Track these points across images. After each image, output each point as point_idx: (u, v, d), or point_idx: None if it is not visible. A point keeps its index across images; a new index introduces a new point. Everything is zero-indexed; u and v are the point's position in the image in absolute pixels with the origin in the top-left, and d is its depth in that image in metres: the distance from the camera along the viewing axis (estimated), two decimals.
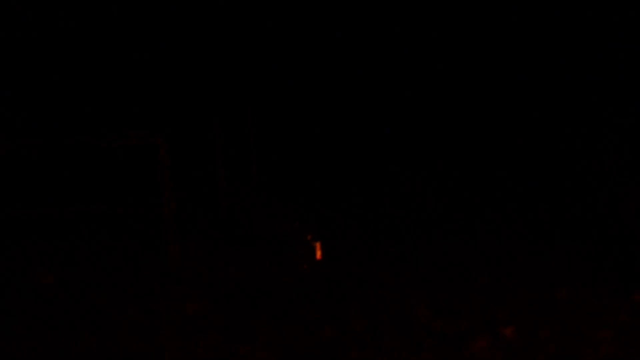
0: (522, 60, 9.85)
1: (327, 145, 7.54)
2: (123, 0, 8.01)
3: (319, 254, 6.29)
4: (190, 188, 7.28)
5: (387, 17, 9.94)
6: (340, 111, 8.13)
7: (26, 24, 7.78)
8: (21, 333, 4.80)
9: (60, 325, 4.92)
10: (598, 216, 6.60)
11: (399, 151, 9.03)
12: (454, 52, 9.99)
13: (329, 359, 4.22)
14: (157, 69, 7.83)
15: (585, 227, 6.58)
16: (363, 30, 9.58)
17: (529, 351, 4.27)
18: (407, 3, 9.71)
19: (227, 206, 7.10)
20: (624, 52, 9.13)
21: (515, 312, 4.89)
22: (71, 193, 7.47)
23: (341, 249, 6.75)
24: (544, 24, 9.97)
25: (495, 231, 7.03)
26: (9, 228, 7.20)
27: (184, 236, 7.18)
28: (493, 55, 9.96)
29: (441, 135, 9.03)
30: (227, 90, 7.91)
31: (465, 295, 5.31)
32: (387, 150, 9.11)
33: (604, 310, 4.83)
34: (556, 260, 5.97)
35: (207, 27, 8.55)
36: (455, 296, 5.31)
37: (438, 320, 4.81)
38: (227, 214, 7.07)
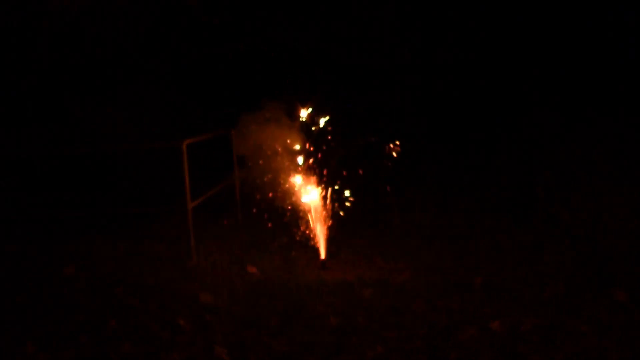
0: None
1: None
2: None
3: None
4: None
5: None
6: None
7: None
8: (45, 318, 5.30)
9: (81, 312, 5.39)
10: (583, 223, 6.89)
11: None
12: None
13: (333, 348, 4.66)
14: None
15: (571, 233, 6.91)
16: None
17: (513, 341, 4.69)
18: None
19: None
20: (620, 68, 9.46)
21: (503, 308, 5.29)
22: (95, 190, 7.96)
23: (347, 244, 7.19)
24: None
25: (488, 234, 7.41)
26: (38, 224, 7.69)
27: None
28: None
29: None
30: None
31: (458, 292, 5.72)
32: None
33: (585, 307, 5.21)
34: (544, 262, 6.31)
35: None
36: (449, 292, 5.72)
37: (433, 313, 5.24)
38: None
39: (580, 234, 6.73)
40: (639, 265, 5.95)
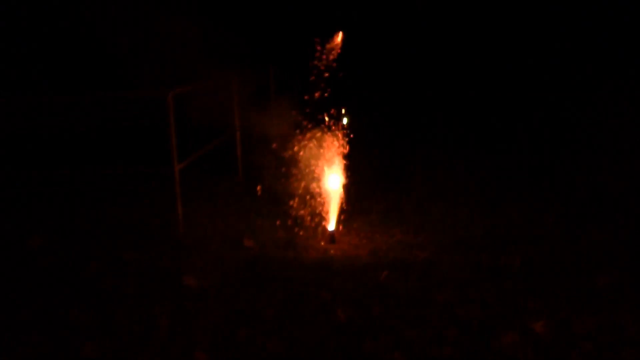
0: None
1: None
2: None
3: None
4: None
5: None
6: None
7: None
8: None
9: (41, 295, 4.51)
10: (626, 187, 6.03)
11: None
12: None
13: (339, 353, 3.79)
14: None
15: (624, 212, 5.95)
16: None
17: (562, 348, 3.79)
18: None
19: None
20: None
21: (547, 300, 4.36)
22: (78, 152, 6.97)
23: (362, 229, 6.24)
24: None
25: (521, 199, 6.47)
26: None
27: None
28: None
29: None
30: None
31: (492, 276, 4.79)
32: None
33: None
34: (595, 246, 5.34)
35: None
36: (481, 277, 4.79)
37: (463, 306, 4.32)
38: None
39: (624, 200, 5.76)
40: None
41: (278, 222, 6.01)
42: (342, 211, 6.04)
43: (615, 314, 4.13)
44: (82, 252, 5.22)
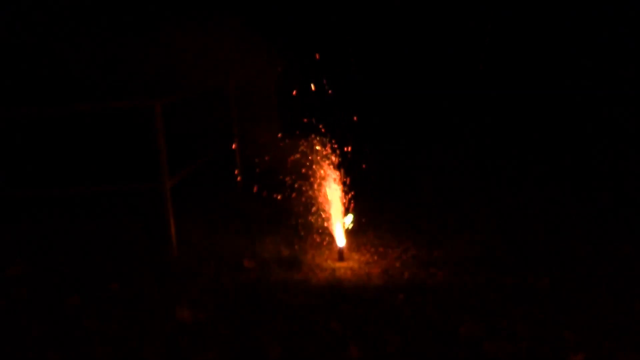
0: None
1: None
2: None
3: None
4: None
5: None
6: None
7: None
8: None
9: (16, 336, 4.02)
10: None
11: None
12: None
13: None
14: None
15: None
16: None
17: None
18: None
19: None
20: None
21: (586, 329, 3.89)
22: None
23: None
24: None
25: (544, 208, 5.98)
26: None
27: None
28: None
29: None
30: None
31: (519, 301, 4.31)
32: None
33: None
34: (628, 262, 4.81)
35: None
36: (507, 302, 4.31)
37: (491, 340, 3.84)
38: None
39: None
40: None
41: (281, 239, 5.54)
42: (350, 224, 5.56)
43: None
44: (64, 282, 4.71)
